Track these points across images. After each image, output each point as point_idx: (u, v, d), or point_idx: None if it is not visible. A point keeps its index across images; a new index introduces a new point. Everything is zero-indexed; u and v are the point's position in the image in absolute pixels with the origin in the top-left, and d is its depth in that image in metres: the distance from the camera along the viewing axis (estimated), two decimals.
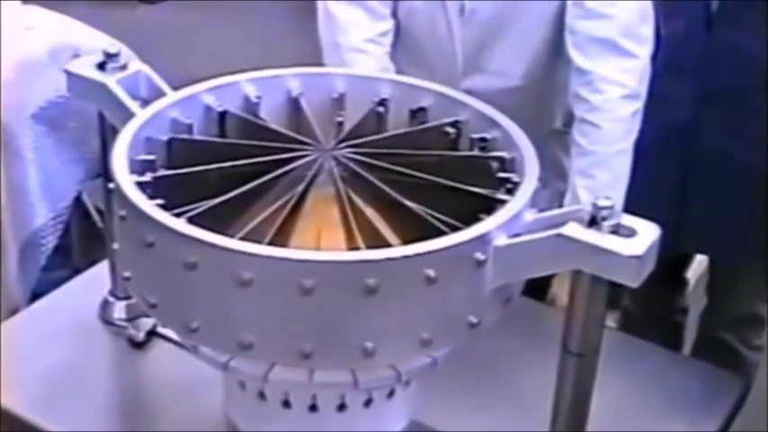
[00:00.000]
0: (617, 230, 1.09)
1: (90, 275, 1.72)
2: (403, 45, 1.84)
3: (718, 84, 1.84)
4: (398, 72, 1.78)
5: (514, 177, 1.24)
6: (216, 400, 1.40)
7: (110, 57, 1.37)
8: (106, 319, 1.59)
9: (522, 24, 1.73)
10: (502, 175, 1.26)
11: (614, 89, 1.62)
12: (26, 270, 2.03)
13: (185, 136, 1.31)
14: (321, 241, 1.20)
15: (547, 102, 1.85)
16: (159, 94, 1.37)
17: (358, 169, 1.26)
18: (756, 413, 1.94)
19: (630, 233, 1.09)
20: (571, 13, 1.67)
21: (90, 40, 2.04)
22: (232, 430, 1.37)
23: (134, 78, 1.37)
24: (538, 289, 1.59)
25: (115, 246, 1.25)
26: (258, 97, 1.39)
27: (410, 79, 1.43)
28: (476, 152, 1.33)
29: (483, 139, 1.33)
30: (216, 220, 1.17)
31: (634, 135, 1.65)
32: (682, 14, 1.84)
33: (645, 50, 1.66)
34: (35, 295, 1.85)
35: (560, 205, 1.70)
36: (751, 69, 1.83)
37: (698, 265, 2.33)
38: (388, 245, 1.14)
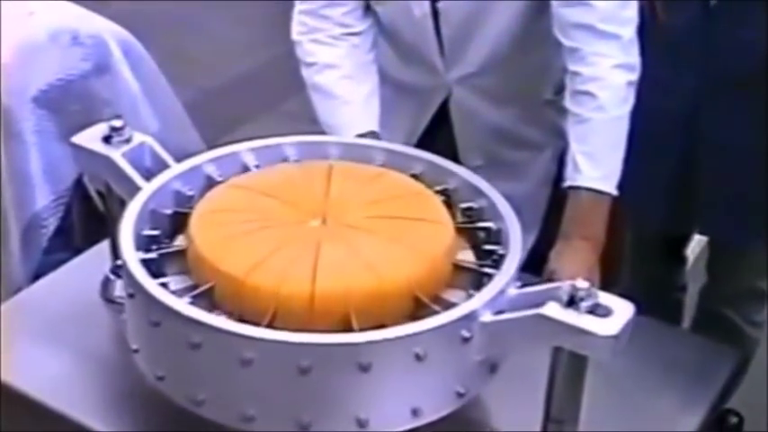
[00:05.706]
0: (594, 310, 1.16)
1: (91, 254, 1.72)
2: (384, 45, 1.91)
3: (718, 72, 1.88)
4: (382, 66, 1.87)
5: (500, 250, 1.32)
6: None
7: (115, 130, 1.43)
8: (107, 298, 1.58)
9: (496, 16, 1.79)
10: (488, 247, 1.33)
11: (604, 60, 1.67)
12: (28, 252, 2.04)
13: (188, 209, 1.38)
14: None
15: (533, 77, 1.91)
16: (163, 164, 1.44)
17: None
18: (757, 389, 1.95)
19: (606, 312, 1.16)
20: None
21: (89, 25, 2.06)
22: None
23: (139, 151, 1.44)
24: (535, 264, 1.62)
25: (124, 317, 1.32)
26: (257, 166, 1.46)
27: (402, 147, 1.50)
28: (464, 221, 1.40)
29: (470, 209, 1.40)
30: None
31: (630, 104, 1.68)
32: (681, 9, 1.89)
33: (627, 30, 1.69)
34: (36, 277, 1.81)
35: (560, 169, 1.75)
36: (751, 58, 1.87)
37: (696, 242, 2.34)
38: (380, 322, 1.22)
